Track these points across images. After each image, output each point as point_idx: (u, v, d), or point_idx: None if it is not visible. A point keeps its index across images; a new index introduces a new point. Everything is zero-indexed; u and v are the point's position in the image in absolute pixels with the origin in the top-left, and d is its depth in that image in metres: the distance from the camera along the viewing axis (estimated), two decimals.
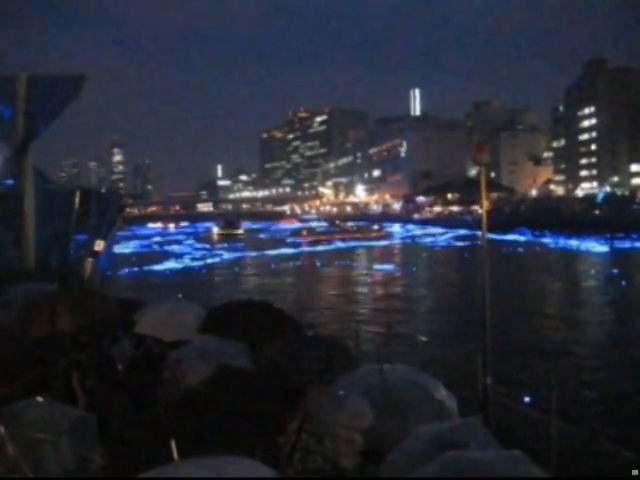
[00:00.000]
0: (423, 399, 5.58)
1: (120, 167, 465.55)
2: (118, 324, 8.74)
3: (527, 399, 8.26)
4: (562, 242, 78.18)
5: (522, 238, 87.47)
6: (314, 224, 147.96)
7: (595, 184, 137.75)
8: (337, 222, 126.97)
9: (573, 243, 75.80)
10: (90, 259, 24.25)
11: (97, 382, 6.79)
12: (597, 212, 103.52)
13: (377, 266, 58.24)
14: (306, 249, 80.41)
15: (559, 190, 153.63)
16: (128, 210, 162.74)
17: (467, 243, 75.41)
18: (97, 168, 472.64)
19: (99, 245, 25.34)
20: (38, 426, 4.38)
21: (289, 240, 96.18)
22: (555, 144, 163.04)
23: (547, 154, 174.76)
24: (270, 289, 42.73)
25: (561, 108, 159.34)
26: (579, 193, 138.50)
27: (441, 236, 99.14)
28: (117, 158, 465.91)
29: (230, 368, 6.75)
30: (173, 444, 3.85)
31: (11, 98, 21.04)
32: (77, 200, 26.64)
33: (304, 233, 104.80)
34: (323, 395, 5.77)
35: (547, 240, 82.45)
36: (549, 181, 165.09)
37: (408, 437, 4.49)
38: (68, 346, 7.54)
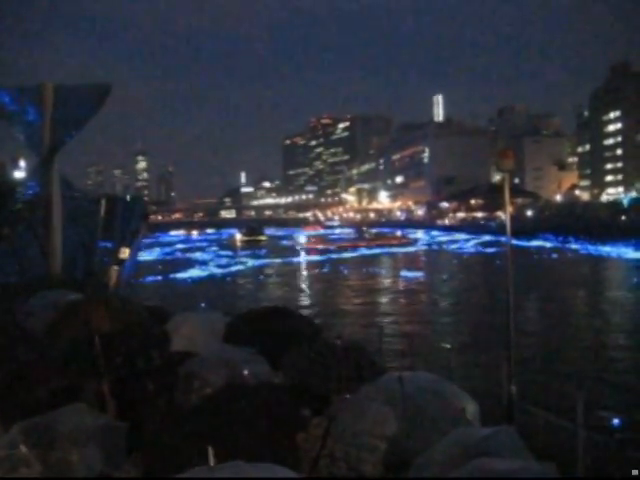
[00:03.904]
0: (443, 407, 5.56)
1: (144, 174, 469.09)
2: (152, 342, 8.73)
3: (617, 421, 8.13)
4: (592, 248, 76.61)
5: (548, 244, 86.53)
6: (337, 231, 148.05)
7: (621, 189, 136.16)
8: (364, 229, 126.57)
9: (604, 249, 74.17)
10: (115, 267, 24.37)
11: (129, 393, 6.85)
12: (623, 218, 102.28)
13: (405, 274, 57.21)
14: (332, 256, 80.00)
15: (584, 195, 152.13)
16: (152, 217, 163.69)
17: (496, 249, 74.27)
18: (122, 176, 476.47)
19: (124, 253, 25.47)
20: (67, 434, 4.43)
21: (314, 248, 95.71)
22: (580, 149, 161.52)
23: (572, 159, 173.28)
24: (296, 297, 42.69)
25: (586, 113, 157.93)
26: (605, 198, 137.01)
27: (466, 242, 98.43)
28: (141, 166, 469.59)
29: (246, 376, 6.78)
30: (210, 452, 3.86)
31: (38, 107, 21.29)
32: (102, 208, 26.82)
33: (330, 242, 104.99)
34: (347, 403, 5.78)
35: (575, 246, 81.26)
36: (574, 186, 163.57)
37: (439, 443, 4.47)
38: (101, 365, 7.61)
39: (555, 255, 72.06)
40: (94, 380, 6.87)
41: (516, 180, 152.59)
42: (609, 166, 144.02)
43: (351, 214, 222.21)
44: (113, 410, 6.45)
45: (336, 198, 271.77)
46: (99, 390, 6.68)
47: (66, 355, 7.84)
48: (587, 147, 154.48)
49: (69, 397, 5.83)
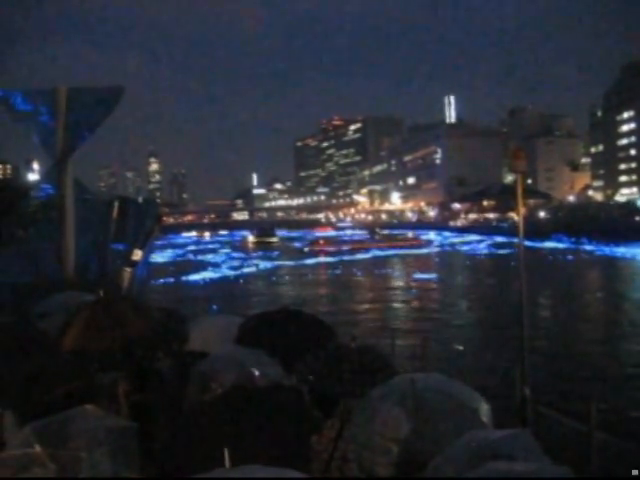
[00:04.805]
0: (456, 408, 5.52)
1: (157, 176, 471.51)
2: (172, 337, 8.75)
3: None
4: (607, 250, 75.76)
5: (561, 245, 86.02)
6: (349, 232, 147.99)
7: (635, 189, 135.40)
8: (376, 230, 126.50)
9: (619, 250, 73.31)
10: (128, 269, 24.42)
11: (145, 395, 6.86)
12: (637, 218, 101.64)
13: (419, 276, 56.49)
14: (344, 258, 79.66)
15: (598, 196, 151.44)
16: (164, 219, 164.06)
17: (509, 251, 73.53)
18: (134, 178, 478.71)
19: (137, 255, 25.54)
20: (79, 434, 4.44)
21: (326, 249, 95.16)
22: (593, 149, 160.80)
23: (585, 160, 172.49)
24: (309, 299, 42.59)
25: (599, 113, 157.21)
26: (618, 199, 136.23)
27: (479, 244, 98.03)
28: (154, 167, 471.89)
29: (258, 378, 6.77)
30: (226, 453, 3.85)
31: (51, 109, 21.41)
32: (115, 210, 26.93)
33: (343, 243, 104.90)
34: (359, 404, 5.77)
35: (589, 247, 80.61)
36: (587, 187, 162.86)
37: (453, 444, 4.46)
38: (120, 358, 7.63)
39: (570, 257, 71.46)
40: (109, 381, 6.90)
41: (528, 181, 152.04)
42: (623, 166, 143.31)
43: (363, 215, 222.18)
44: (126, 411, 6.46)
45: (348, 199, 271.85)
46: (114, 391, 6.70)
47: (79, 357, 7.88)
48: (600, 147, 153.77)
49: (84, 398, 5.85)
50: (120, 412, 6.52)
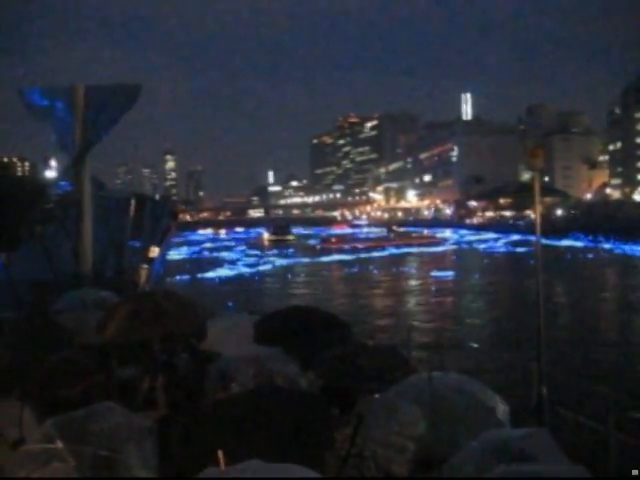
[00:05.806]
0: (473, 407, 5.52)
1: (173, 174, 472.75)
2: (190, 333, 8.77)
3: None
4: (627, 248, 74.68)
5: (578, 244, 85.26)
6: (365, 230, 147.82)
7: None
8: (394, 227, 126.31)
9: (638, 249, 71.94)
10: (145, 265, 24.55)
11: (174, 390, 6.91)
12: None
13: (437, 274, 55.74)
14: (360, 256, 79.25)
15: (615, 194, 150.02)
16: (181, 216, 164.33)
17: (526, 249, 72.69)
18: (150, 175, 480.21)
19: (154, 252, 25.67)
20: (101, 436, 4.46)
21: (342, 247, 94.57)
22: (611, 147, 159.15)
23: (603, 157, 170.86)
24: (325, 296, 42.51)
25: (617, 110, 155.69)
26: (636, 197, 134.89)
27: (496, 242, 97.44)
28: (170, 165, 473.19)
29: (275, 375, 6.78)
30: (221, 454, 3.85)
31: (69, 106, 21.51)
32: (132, 207, 27.02)
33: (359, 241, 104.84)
34: (376, 402, 5.77)
35: (607, 246, 79.77)
36: (605, 185, 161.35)
37: (471, 443, 4.45)
38: (138, 353, 7.67)
39: (590, 255, 70.70)
40: (147, 375, 6.92)
41: (545, 178, 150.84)
42: None
43: (379, 213, 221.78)
44: (164, 407, 6.45)
45: (364, 197, 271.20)
46: (152, 386, 6.72)
47: (99, 351, 7.93)
48: (619, 145, 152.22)
49: (103, 394, 5.88)
50: (159, 406, 6.52)
